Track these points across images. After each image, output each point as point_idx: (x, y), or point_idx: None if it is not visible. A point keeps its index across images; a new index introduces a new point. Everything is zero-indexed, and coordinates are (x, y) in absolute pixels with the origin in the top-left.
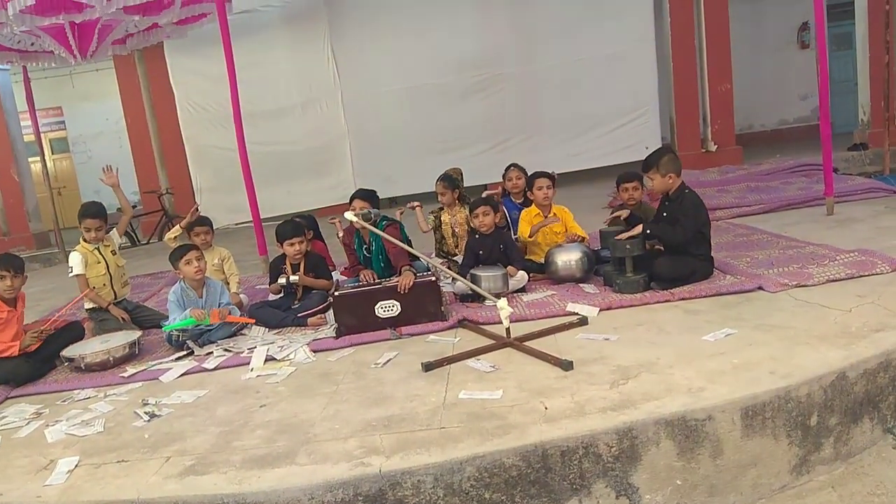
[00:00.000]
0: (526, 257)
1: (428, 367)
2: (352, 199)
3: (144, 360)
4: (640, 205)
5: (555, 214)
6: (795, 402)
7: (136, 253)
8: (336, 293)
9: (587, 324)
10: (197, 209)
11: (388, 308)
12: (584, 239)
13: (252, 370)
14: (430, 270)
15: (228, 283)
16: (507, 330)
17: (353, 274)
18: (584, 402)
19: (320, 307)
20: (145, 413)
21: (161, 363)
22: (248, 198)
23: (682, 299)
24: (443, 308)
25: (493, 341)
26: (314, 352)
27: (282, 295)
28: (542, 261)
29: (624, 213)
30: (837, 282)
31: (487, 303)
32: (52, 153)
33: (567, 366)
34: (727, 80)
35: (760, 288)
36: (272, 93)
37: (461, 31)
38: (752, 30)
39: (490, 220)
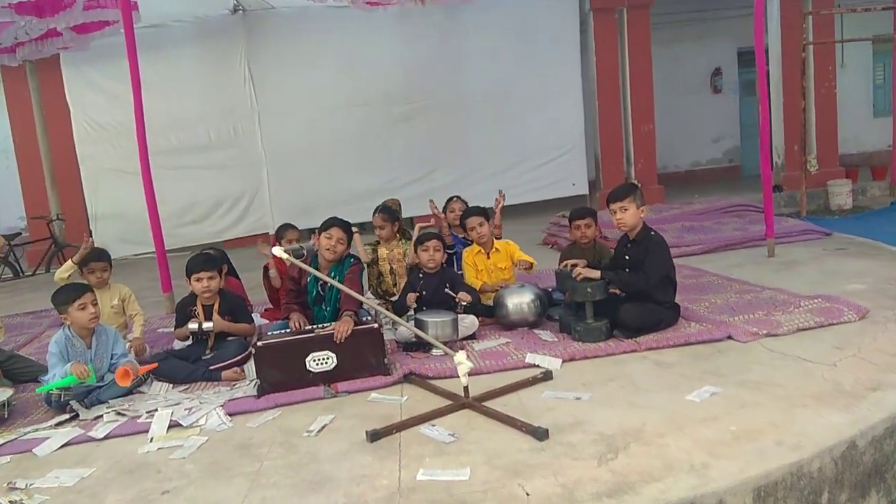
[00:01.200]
0: None
1: (374, 436)
2: (325, 226)
3: (15, 426)
4: (594, 244)
5: (497, 250)
6: (808, 479)
7: (18, 286)
8: (259, 343)
9: (552, 378)
10: (90, 240)
11: (321, 361)
12: (531, 265)
13: (152, 440)
14: (370, 315)
15: (132, 325)
16: (466, 388)
17: (282, 315)
18: (573, 486)
19: (238, 358)
20: (10, 503)
21: (37, 430)
22: (152, 225)
23: (650, 349)
24: (386, 360)
25: (448, 401)
26: (230, 415)
27: (190, 343)
28: (490, 302)
29: (581, 264)
30: (808, 330)
31: (435, 352)
32: None
33: (541, 434)
34: (650, 120)
35: (730, 337)
36: (182, 113)
37: (387, 57)
38: (666, 73)
39: (440, 256)
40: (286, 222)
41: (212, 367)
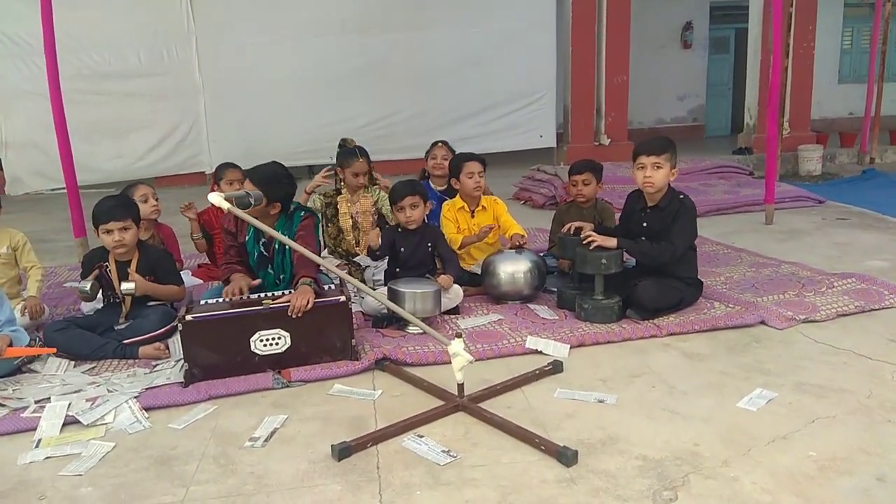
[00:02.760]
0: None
1: (343, 452)
2: (222, 168)
3: None
4: (595, 203)
5: (483, 208)
6: None
7: None
8: (187, 316)
9: (562, 371)
10: None
11: (271, 341)
12: (523, 237)
13: (39, 444)
14: (333, 282)
15: (26, 280)
16: (461, 386)
17: (221, 276)
18: None
19: (161, 331)
20: None
21: None
22: (62, 158)
23: (673, 335)
24: (353, 341)
25: (436, 400)
26: (147, 410)
27: (100, 307)
28: (474, 268)
29: (588, 228)
30: (849, 316)
31: (412, 329)
32: None
33: (569, 458)
34: (624, 71)
35: (763, 322)
36: (106, 28)
37: None
38: (635, 24)
39: (419, 213)
40: (227, 161)
41: (126, 342)
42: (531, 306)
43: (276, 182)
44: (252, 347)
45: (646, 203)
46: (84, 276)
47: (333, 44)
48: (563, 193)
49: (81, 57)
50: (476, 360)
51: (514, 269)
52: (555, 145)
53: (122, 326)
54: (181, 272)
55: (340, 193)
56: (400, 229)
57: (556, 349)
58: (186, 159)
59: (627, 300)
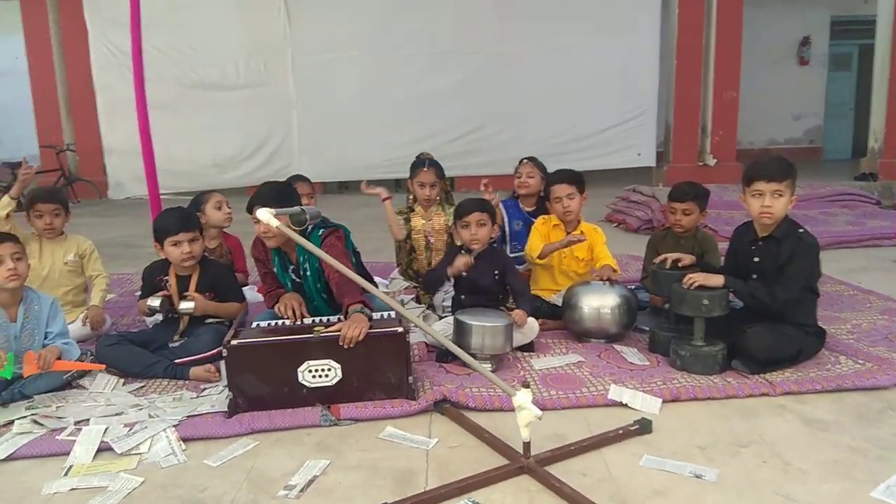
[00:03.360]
0: (531, 291)
1: None
2: (251, 204)
3: None
4: (696, 232)
5: (581, 233)
6: None
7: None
8: (232, 342)
9: (650, 431)
10: (30, 167)
11: (320, 372)
12: (615, 272)
13: (68, 473)
14: (391, 314)
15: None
16: (527, 445)
17: (269, 303)
18: None
19: (213, 352)
20: None
21: None
22: (145, 166)
23: (788, 394)
24: (411, 378)
25: (498, 458)
26: (185, 441)
27: (160, 321)
28: (554, 299)
29: (687, 260)
30: None
31: (481, 363)
32: None
33: None
34: (734, 87)
35: None
36: (206, 41)
37: None
38: (748, 38)
39: (486, 233)
40: (297, 174)
41: (178, 362)
42: (618, 347)
43: (288, 196)
44: (300, 378)
45: (756, 234)
46: (144, 290)
47: (426, 59)
48: (661, 217)
49: (184, 68)
50: (548, 410)
51: (600, 304)
52: (654, 164)
53: (177, 344)
54: (245, 287)
55: (413, 210)
56: (463, 251)
57: (644, 403)
58: (278, 170)
59: (733, 348)
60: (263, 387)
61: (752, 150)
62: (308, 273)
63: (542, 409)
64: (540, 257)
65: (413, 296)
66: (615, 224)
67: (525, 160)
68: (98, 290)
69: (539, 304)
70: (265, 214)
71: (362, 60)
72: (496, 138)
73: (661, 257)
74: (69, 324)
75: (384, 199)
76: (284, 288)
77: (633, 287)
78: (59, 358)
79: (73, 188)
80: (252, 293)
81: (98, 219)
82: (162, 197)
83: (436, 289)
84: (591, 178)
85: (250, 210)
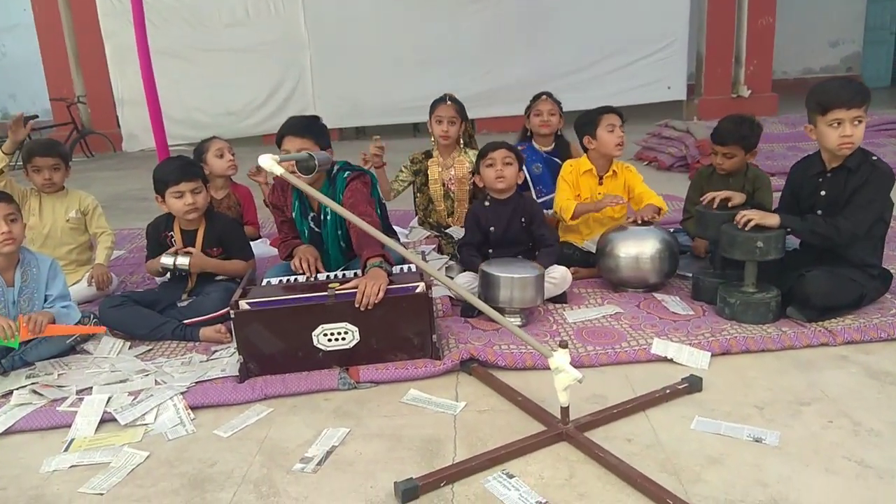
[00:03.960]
0: (562, 238)
1: (408, 492)
2: (281, 135)
3: None
4: (746, 170)
5: (614, 173)
6: None
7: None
8: (240, 303)
9: (700, 390)
10: (24, 118)
11: (336, 335)
12: (660, 211)
13: (69, 447)
14: (412, 267)
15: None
16: (565, 410)
17: (283, 254)
18: None
19: (222, 311)
20: None
21: None
22: (150, 114)
23: (850, 343)
24: (435, 337)
25: (533, 423)
26: (194, 409)
27: (167, 279)
28: (587, 245)
29: (737, 198)
30: None
31: (509, 317)
32: None
33: None
34: (770, 12)
35: None
36: None
37: None
38: None
39: (512, 172)
40: (292, 117)
41: (187, 322)
42: (658, 296)
43: (318, 129)
44: (315, 342)
45: (824, 166)
46: (150, 249)
47: None
48: (696, 153)
49: (191, 10)
50: (585, 367)
51: (638, 251)
52: (685, 98)
53: (185, 303)
54: (258, 240)
55: (431, 157)
56: (487, 202)
57: (692, 357)
58: (292, 116)
59: (788, 295)
60: (276, 350)
61: (785, 79)
62: (328, 219)
63: (578, 367)
64: (573, 218)
65: (434, 245)
66: (646, 162)
67: (544, 96)
68: (103, 248)
69: (570, 251)
70: (267, 160)
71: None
72: (514, 76)
73: (708, 196)
74: (73, 284)
75: (378, 167)
76: (301, 237)
77: (672, 230)
78: (53, 322)
79: (86, 142)
80: (264, 247)
81: (112, 172)
82: (174, 148)
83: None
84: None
85: (279, 143)
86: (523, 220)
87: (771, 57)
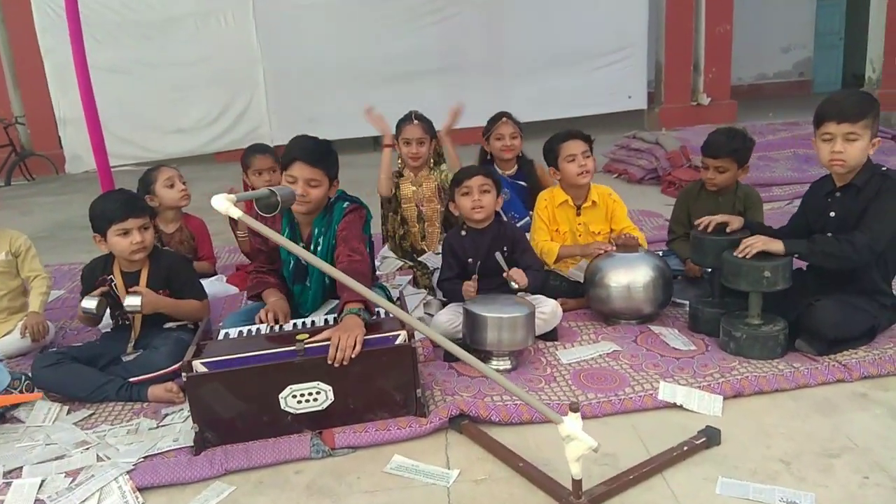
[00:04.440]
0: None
1: None
2: (291, 158)
3: None
4: (735, 189)
5: (593, 203)
6: None
7: None
8: (193, 363)
9: (719, 443)
10: None
11: (308, 395)
12: (633, 239)
13: None
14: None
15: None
16: (577, 483)
17: (249, 291)
18: None
19: (173, 367)
20: None
21: None
22: (90, 134)
23: (866, 378)
24: (418, 391)
25: (538, 494)
26: (142, 490)
27: (112, 327)
28: (574, 273)
29: (735, 223)
30: None
31: (497, 362)
32: None
33: None
34: (727, 19)
35: None
36: None
37: None
38: None
39: (491, 201)
40: (257, 143)
41: (132, 381)
42: (654, 329)
43: (328, 154)
44: (282, 405)
45: (834, 185)
46: (86, 293)
47: (403, 8)
48: (668, 165)
49: (137, 25)
50: (588, 419)
51: (629, 280)
52: (645, 107)
53: (131, 357)
54: (213, 277)
55: (402, 175)
56: (464, 231)
57: (703, 403)
58: (247, 133)
59: (795, 325)
60: (237, 416)
61: (741, 85)
62: (318, 251)
63: (576, 406)
64: (557, 261)
65: (410, 277)
66: (615, 175)
67: (504, 118)
68: (37, 294)
69: (557, 281)
70: (222, 203)
71: (331, 11)
72: (474, 87)
73: (704, 221)
74: (4, 335)
75: (385, 146)
76: (284, 268)
77: (659, 252)
78: None
79: (25, 164)
80: (221, 285)
81: (54, 197)
82: (119, 169)
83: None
84: (578, 125)
85: (286, 167)
86: (505, 248)
87: (729, 64)
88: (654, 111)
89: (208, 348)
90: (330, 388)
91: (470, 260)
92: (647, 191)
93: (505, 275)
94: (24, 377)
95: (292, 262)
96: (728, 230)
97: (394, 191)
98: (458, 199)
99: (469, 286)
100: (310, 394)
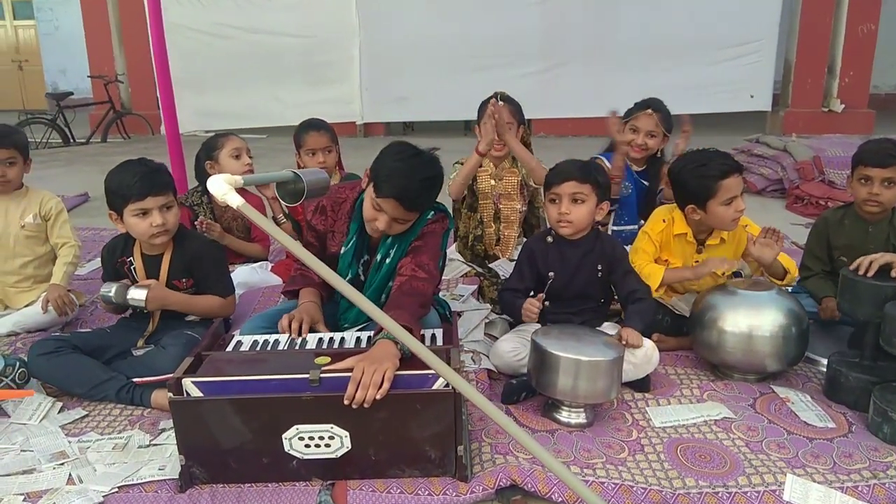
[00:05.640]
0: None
1: None
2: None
3: None
4: (891, 217)
5: (722, 240)
6: None
7: (57, 157)
8: (182, 384)
9: None
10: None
11: (318, 440)
12: (786, 275)
13: None
14: (435, 335)
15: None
16: None
17: (286, 286)
18: None
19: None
20: None
21: None
22: (161, 95)
23: None
24: (461, 448)
25: None
26: None
27: (129, 314)
28: (677, 304)
29: None
30: None
31: (565, 415)
32: (14, 18)
33: None
34: (873, 18)
35: None
36: None
37: None
38: None
39: (584, 214)
40: (312, 118)
41: (136, 381)
42: (780, 392)
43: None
44: (287, 447)
45: None
46: (105, 276)
47: None
48: (796, 177)
49: None
50: None
51: (751, 324)
52: (769, 109)
53: (141, 352)
54: (257, 264)
55: (481, 165)
56: (550, 238)
57: None
58: (337, 108)
59: None
60: (231, 452)
61: (877, 94)
62: (385, 264)
63: None
64: (660, 287)
65: (475, 287)
66: None
67: (649, 109)
68: (62, 264)
69: (659, 315)
70: (220, 185)
71: None
72: (576, 75)
73: (864, 262)
74: (27, 305)
75: (478, 152)
76: (339, 269)
77: (789, 289)
78: None
79: (122, 122)
80: (264, 273)
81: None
82: (208, 134)
83: (517, 318)
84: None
85: (377, 195)
86: (600, 268)
87: (870, 68)
88: (779, 114)
89: (208, 363)
90: (347, 434)
91: (551, 274)
92: (770, 204)
93: (619, 332)
94: (18, 363)
95: (350, 275)
96: (894, 273)
97: (468, 189)
98: (546, 203)
99: (532, 306)
100: (321, 438)
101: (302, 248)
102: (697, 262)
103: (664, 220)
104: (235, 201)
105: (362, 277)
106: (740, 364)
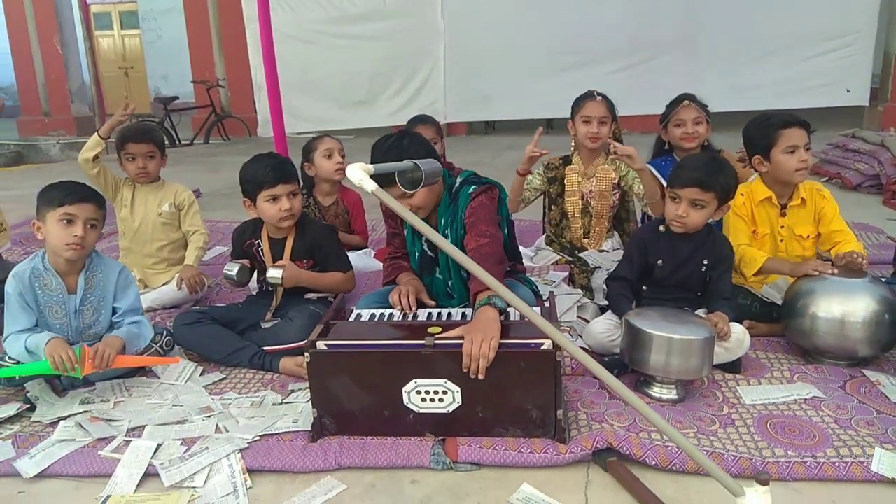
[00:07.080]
0: (733, 280)
1: None
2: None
3: None
4: None
5: (802, 201)
6: None
7: (169, 156)
8: (318, 343)
9: None
10: (130, 106)
11: (433, 394)
12: (862, 259)
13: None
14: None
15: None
16: None
17: (385, 277)
18: None
19: (304, 342)
20: None
21: None
22: (269, 100)
23: None
24: (560, 412)
25: None
26: (252, 473)
27: (256, 292)
28: (768, 292)
29: None
30: None
31: (657, 391)
32: (122, 28)
33: None
34: None
35: None
36: None
37: None
38: None
39: (698, 218)
40: (420, 115)
41: (266, 349)
42: (871, 375)
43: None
44: (405, 400)
45: None
46: (234, 255)
47: None
48: (893, 172)
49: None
50: (775, 481)
51: (844, 311)
52: (867, 104)
53: (268, 325)
54: (361, 251)
55: (570, 163)
56: (663, 228)
57: None
58: (423, 109)
59: None
60: (357, 406)
61: None
62: (448, 237)
63: (766, 479)
64: (756, 273)
65: (565, 274)
66: (826, 178)
67: (685, 101)
68: (194, 248)
69: (747, 301)
70: (357, 172)
71: None
72: (663, 71)
73: None
74: (163, 285)
75: (520, 173)
76: (410, 258)
77: (883, 279)
78: (122, 351)
79: (223, 125)
80: (368, 259)
81: (243, 157)
82: (301, 135)
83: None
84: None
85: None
86: (706, 262)
87: None
88: (877, 109)
89: (336, 329)
90: (458, 389)
91: (659, 262)
92: (865, 200)
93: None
94: (165, 332)
95: (417, 253)
96: None
97: (556, 179)
98: (667, 199)
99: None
100: (436, 392)
101: (422, 223)
102: (783, 226)
103: (742, 193)
104: (370, 186)
105: (430, 254)
106: (832, 349)
